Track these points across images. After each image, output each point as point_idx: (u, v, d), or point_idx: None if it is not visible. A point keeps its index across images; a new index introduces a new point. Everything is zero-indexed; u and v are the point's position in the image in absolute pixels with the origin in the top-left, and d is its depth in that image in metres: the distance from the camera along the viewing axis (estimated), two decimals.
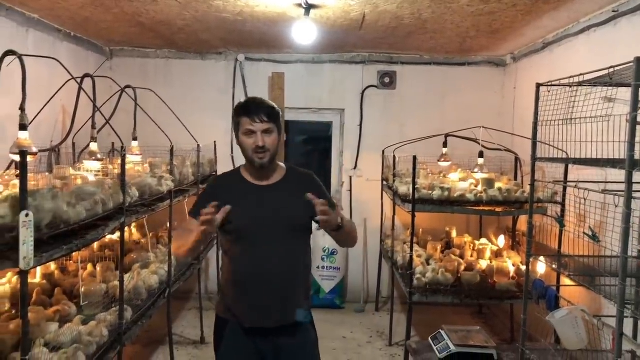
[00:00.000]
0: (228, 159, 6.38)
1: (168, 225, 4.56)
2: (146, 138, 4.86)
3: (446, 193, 4.33)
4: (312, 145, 6.67)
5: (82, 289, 3.16)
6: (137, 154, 4.55)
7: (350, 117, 6.41)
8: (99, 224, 2.76)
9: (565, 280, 3.80)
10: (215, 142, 6.05)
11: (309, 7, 4.08)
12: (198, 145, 5.15)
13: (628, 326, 2.76)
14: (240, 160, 6.69)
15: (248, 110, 2.38)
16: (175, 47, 6.08)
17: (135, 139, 4.69)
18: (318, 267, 6.18)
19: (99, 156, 3.78)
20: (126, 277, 3.27)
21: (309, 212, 2.35)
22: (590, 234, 2.55)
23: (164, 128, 4.70)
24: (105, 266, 3.79)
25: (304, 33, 4.39)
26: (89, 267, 3.86)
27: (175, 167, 4.45)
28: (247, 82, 6.34)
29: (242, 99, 6.17)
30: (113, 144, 5.26)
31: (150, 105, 4.87)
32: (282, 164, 2.56)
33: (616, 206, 2.28)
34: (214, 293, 6.29)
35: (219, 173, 6.08)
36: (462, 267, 4.59)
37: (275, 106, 2.45)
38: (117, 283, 3.22)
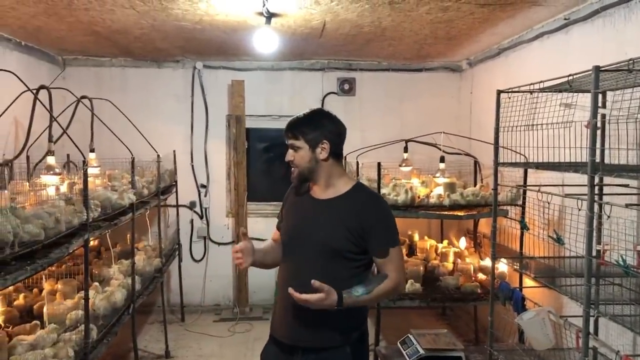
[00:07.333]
0: (188, 168, 6.29)
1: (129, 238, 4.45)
2: (102, 148, 4.75)
3: (410, 197, 4.39)
4: (274, 152, 6.63)
5: (46, 310, 3.03)
6: (95, 166, 4.43)
7: None
8: (62, 242, 2.66)
9: (527, 281, 3.91)
10: (174, 151, 5.95)
11: (270, 16, 4.05)
12: (158, 156, 5.05)
13: (590, 324, 2.86)
14: (200, 169, 6.58)
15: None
16: (131, 55, 5.95)
17: (92, 150, 4.56)
18: None
19: (57, 170, 3.66)
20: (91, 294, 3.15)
21: (349, 238, 2.21)
22: (555, 236, 2.62)
23: (121, 138, 4.58)
24: (67, 283, 3.66)
25: (265, 41, 4.36)
26: (46, 285, 3.71)
27: (136, 179, 4.35)
28: (206, 90, 6.28)
29: (202, 106, 6.25)
30: (68, 155, 5.10)
31: (106, 115, 4.74)
32: (353, 181, 2.38)
33: (579, 210, 2.36)
34: (176, 305, 6.17)
35: (179, 183, 6.00)
36: (422, 270, 4.68)
37: (310, 121, 2.30)
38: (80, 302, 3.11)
